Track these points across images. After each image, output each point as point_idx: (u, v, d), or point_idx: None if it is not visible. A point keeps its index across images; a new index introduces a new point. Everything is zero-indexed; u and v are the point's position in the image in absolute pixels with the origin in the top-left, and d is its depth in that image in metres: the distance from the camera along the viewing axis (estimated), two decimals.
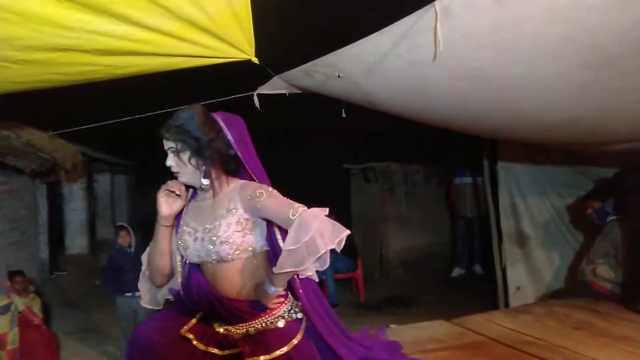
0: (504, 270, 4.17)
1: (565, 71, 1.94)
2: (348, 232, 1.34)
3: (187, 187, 1.56)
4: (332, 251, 1.36)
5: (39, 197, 5.93)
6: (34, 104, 4.07)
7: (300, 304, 1.53)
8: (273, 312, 1.49)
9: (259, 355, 1.38)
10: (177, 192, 1.50)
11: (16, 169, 4.60)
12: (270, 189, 1.47)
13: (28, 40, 1.89)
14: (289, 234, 1.34)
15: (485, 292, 5.41)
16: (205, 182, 1.47)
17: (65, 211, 7.59)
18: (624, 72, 1.88)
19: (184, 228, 1.54)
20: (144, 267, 1.64)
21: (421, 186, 7.48)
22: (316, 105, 3.52)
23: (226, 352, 1.43)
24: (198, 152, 1.45)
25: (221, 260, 1.48)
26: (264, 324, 1.49)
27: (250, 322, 1.49)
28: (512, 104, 2.32)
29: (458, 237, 6.71)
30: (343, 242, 1.34)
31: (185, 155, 1.46)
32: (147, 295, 1.67)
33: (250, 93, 2.88)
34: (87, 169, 7.44)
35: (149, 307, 1.66)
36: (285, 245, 1.34)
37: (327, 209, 1.36)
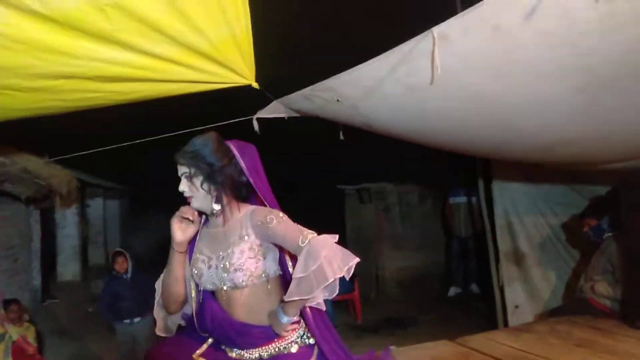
0: (501, 289, 4.18)
1: (562, 93, 1.99)
2: (357, 259, 1.35)
3: (200, 213, 1.57)
4: None
5: (32, 223, 5.86)
6: (30, 129, 4.07)
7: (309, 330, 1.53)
8: (286, 338, 1.49)
9: None
10: (191, 218, 1.52)
11: (11, 196, 4.56)
12: (281, 214, 1.48)
13: (32, 69, 1.91)
14: (298, 261, 1.35)
15: (483, 311, 5.41)
16: (217, 207, 1.49)
17: (58, 237, 7.49)
18: (618, 93, 1.94)
19: (198, 256, 1.55)
20: (157, 296, 1.62)
21: (416, 206, 7.52)
22: (312, 127, 3.57)
23: None
24: (210, 177, 1.48)
25: (235, 287, 1.49)
26: (277, 349, 1.49)
27: (263, 347, 1.49)
28: (510, 125, 2.38)
29: (453, 256, 6.72)
30: (352, 270, 1.34)
31: (198, 181, 1.49)
32: (162, 323, 1.65)
33: (249, 117, 2.92)
34: (81, 194, 7.38)
35: (163, 335, 1.64)
36: (294, 273, 1.35)
37: (337, 236, 1.38)
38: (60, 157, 3.66)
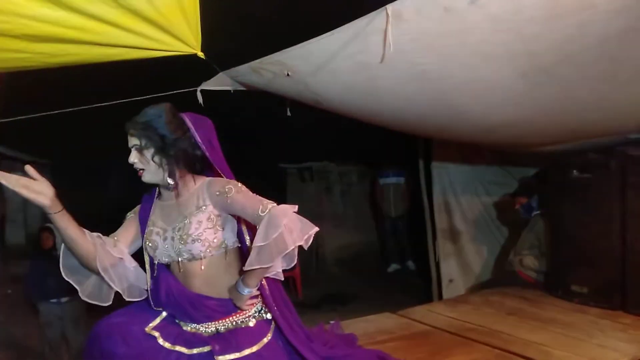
0: (437, 264, 4.40)
1: (506, 77, 2.09)
2: (316, 229, 1.36)
3: (152, 185, 1.51)
4: None
5: None
6: None
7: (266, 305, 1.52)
8: (244, 312, 1.47)
9: (229, 353, 1.35)
10: (35, 178, 1.34)
11: None
12: (239, 184, 1.45)
13: None
14: (258, 230, 1.32)
15: (418, 286, 5.67)
16: (171, 181, 1.43)
17: None
18: (556, 79, 2.07)
19: (152, 228, 1.49)
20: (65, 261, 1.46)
21: (355, 185, 7.67)
22: (256, 103, 3.49)
23: (194, 350, 1.37)
24: (162, 150, 1.42)
25: (193, 258, 1.44)
26: (234, 323, 1.48)
27: (220, 321, 1.46)
28: (455, 106, 2.46)
29: (386, 235, 6.93)
30: (311, 239, 1.35)
31: (149, 153, 1.43)
32: (88, 290, 1.50)
33: (193, 89, 2.79)
34: None
35: (94, 302, 1.51)
36: (254, 242, 1.33)
37: (296, 206, 1.37)
38: None
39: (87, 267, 1.44)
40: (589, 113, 2.43)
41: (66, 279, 1.46)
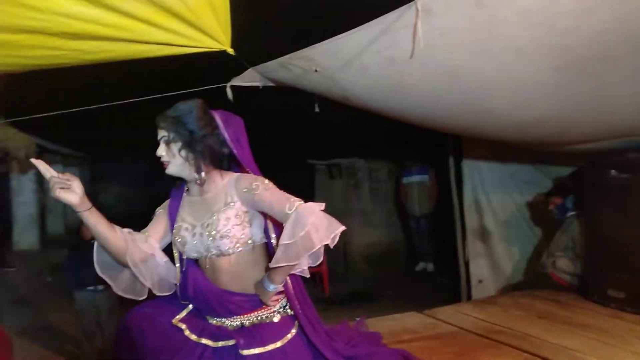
0: (466, 264, 4.31)
1: (538, 72, 2.02)
2: (343, 227, 1.35)
3: (179, 180, 1.54)
4: None
5: None
6: None
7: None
8: (269, 307, 1.49)
9: (253, 348, 1.37)
10: (68, 183, 1.35)
11: None
12: (267, 181, 1.46)
13: None
14: (285, 228, 1.33)
15: (446, 286, 5.58)
16: (198, 176, 1.46)
17: (13, 205, 7.17)
18: (590, 74, 1.99)
19: (181, 224, 1.51)
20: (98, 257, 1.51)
21: (385, 182, 7.60)
22: (285, 99, 3.50)
23: (219, 343, 1.40)
24: (189, 145, 1.44)
25: (221, 254, 1.46)
26: (259, 318, 1.49)
27: (245, 315, 1.48)
28: (484, 102, 2.40)
29: (412, 234, 6.84)
30: (337, 238, 1.34)
31: (176, 147, 1.45)
32: (122, 285, 1.55)
33: (223, 84, 2.83)
34: (39, 160, 7.05)
35: (129, 296, 1.56)
36: (281, 239, 1.33)
37: (323, 204, 1.37)
38: (17, 119, 3.46)
39: (120, 263, 1.48)
40: (626, 110, 2.33)
41: (100, 274, 1.50)
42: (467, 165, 4.22)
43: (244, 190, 1.44)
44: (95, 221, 1.39)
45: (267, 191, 1.42)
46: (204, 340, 1.40)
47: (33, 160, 1.36)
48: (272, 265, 1.35)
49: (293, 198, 1.39)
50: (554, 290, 3.04)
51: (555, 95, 2.23)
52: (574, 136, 2.83)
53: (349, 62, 2.26)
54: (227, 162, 1.54)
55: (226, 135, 1.50)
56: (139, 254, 1.48)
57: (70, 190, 1.33)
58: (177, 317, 1.47)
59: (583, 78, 2.04)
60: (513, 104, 2.40)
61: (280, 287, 1.46)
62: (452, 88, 2.35)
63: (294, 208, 1.34)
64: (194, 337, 1.41)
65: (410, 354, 1.80)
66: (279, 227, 1.45)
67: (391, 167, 7.58)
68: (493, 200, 4.19)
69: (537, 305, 2.70)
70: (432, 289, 5.75)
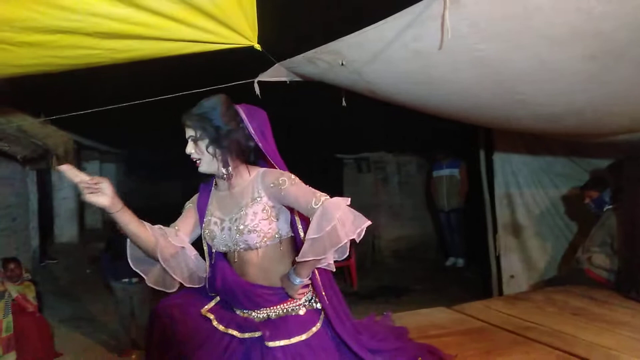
0: (497, 259, 4.23)
1: (572, 60, 1.95)
2: (369, 222, 1.34)
3: (208, 176, 1.57)
4: None
5: (29, 183, 5.83)
6: (25, 88, 3.99)
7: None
8: (295, 300, 1.51)
9: (279, 340, 1.39)
10: (96, 187, 1.36)
11: (6, 155, 4.51)
12: (293, 176, 1.47)
13: (28, 22, 1.85)
14: (311, 222, 1.34)
15: (476, 282, 5.49)
16: (225, 171, 1.48)
17: (54, 199, 7.48)
18: (630, 61, 1.90)
19: (210, 218, 1.55)
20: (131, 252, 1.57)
21: (414, 176, 7.52)
22: (312, 93, 3.50)
23: (246, 335, 1.43)
24: (216, 141, 1.47)
25: (249, 248, 1.49)
26: (285, 310, 1.51)
27: (271, 307, 1.51)
28: (516, 93, 2.33)
29: (442, 228, 6.74)
30: (363, 233, 1.34)
31: (203, 144, 1.48)
32: (154, 278, 1.60)
33: (250, 80, 2.85)
34: (77, 156, 7.32)
35: (160, 289, 1.62)
36: (308, 234, 1.34)
37: (349, 199, 1.37)
38: (56, 117, 3.60)
39: (151, 257, 1.53)
40: None
41: (134, 268, 1.56)
42: (499, 158, 4.12)
43: (271, 185, 1.46)
44: (126, 220, 1.43)
45: (293, 186, 1.43)
46: (230, 331, 1.44)
47: (60, 167, 1.36)
48: (298, 259, 1.37)
49: (319, 193, 1.40)
50: (589, 286, 2.93)
51: (591, 85, 2.14)
52: (611, 127, 2.71)
53: (376, 55, 2.24)
54: (253, 156, 1.56)
55: (251, 129, 1.51)
56: (169, 249, 1.52)
57: (100, 193, 1.35)
58: (206, 307, 1.51)
59: (621, 65, 1.95)
60: (547, 94, 2.33)
61: (307, 281, 1.47)
62: (482, 79, 2.29)
63: (320, 203, 1.34)
64: (221, 327, 1.45)
65: (436, 349, 1.79)
66: (305, 221, 1.46)
67: (420, 160, 7.49)
68: (526, 194, 4.08)
69: (571, 301, 2.62)
70: (462, 284, 5.67)
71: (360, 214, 1.36)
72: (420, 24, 1.91)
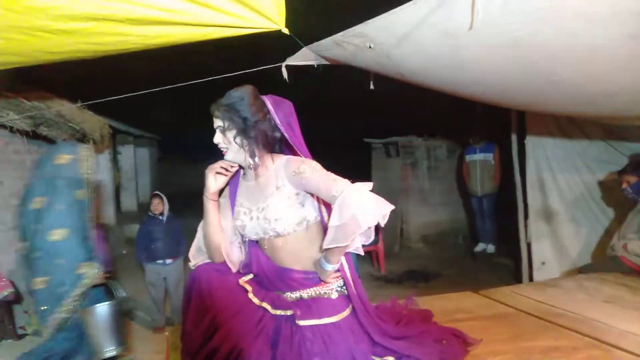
0: (528, 245, 4.15)
1: (611, 40, 1.86)
2: (391, 207, 1.36)
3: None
4: None
5: None
6: (62, 74, 4.13)
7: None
8: (327, 284, 1.55)
9: (310, 319, 1.43)
10: (230, 170, 1.57)
11: (47, 139, 4.69)
12: (314, 163, 1.50)
13: (64, 10, 1.91)
14: (333, 211, 1.37)
15: (506, 268, 5.41)
16: (252, 161, 1.52)
17: None
18: None
19: (239, 208, 1.60)
20: (198, 242, 1.67)
21: (444, 161, 7.41)
22: (340, 77, 3.48)
23: (278, 312, 1.47)
24: (243, 131, 1.51)
25: (278, 235, 1.54)
26: (318, 292, 1.56)
27: (305, 290, 1.56)
28: (550, 75, 2.26)
29: (474, 214, 6.63)
30: (387, 217, 1.35)
31: (231, 134, 1.52)
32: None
33: (278, 64, 2.86)
34: (112, 141, 7.56)
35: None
36: (330, 222, 1.38)
37: (371, 184, 1.38)
38: (92, 102, 3.72)
39: (213, 254, 1.61)
40: None
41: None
42: (531, 142, 4.01)
43: (292, 173, 1.49)
44: (213, 211, 1.58)
45: (314, 173, 1.46)
46: (264, 304, 1.49)
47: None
48: (324, 247, 1.40)
49: (340, 180, 1.42)
50: (624, 274, 2.85)
51: (630, 65, 2.05)
52: None
53: (404, 37, 2.20)
54: (279, 146, 1.60)
55: (277, 120, 1.54)
56: (227, 247, 1.61)
57: (219, 178, 1.55)
58: (244, 278, 1.56)
59: None
60: (582, 75, 2.24)
61: (337, 266, 1.51)
62: (514, 60, 2.23)
63: (341, 191, 1.36)
64: (256, 300, 1.50)
65: (461, 333, 1.79)
66: (329, 207, 1.50)
67: (450, 145, 7.37)
68: (559, 179, 3.96)
69: (604, 289, 2.55)
70: (492, 270, 5.60)
71: (382, 199, 1.37)
72: (450, 4, 1.87)
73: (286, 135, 1.55)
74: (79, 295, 2.91)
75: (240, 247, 1.65)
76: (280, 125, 1.54)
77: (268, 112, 1.54)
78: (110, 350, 2.88)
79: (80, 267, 2.93)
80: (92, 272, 2.98)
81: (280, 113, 1.55)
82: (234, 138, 1.52)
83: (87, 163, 3.20)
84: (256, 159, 1.53)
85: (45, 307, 2.90)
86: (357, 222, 1.32)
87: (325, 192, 1.41)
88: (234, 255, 1.63)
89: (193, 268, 1.64)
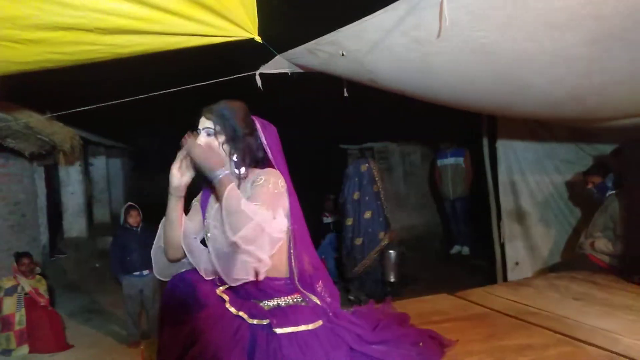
0: (502, 246, 4.24)
1: (571, 45, 1.94)
2: (262, 264, 1.36)
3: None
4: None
5: (37, 180, 5.90)
6: (30, 85, 4.03)
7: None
8: (303, 293, 1.55)
9: (287, 327, 1.42)
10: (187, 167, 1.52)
11: (14, 152, 4.57)
12: (272, 181, 1.47)
13: (31, 19, 1.87)
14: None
15: (482, 269, 5.51)
16: (236, 171, 1.53)
17: (62, 195, 7.56)
18: (630, 45, 1.89)
19: (209, 221, 1.56)
20: (158, 240, 1.64)
21: (418, 166, 7.52)
22: (315, 85, 3.50)
23: (254, 321, 1.46)
24: (233, 140, 1.52)
25: None
26: (295, 300, 1.54)
27: (281, 297, 1.54)
28: (517, 80, 2.33)
29: (447, 217, 6.76)
30: (254, 270, 1.36)
31: (220, 139, 1.52)
32: (158, 266, 1.67)
33: (252, 73, 2.87)
34: (84, 152, 7.39)
35: (159, 277, 1.67)
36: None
37: (284, 227, 1.44)
38: (61, 113, 3.64)
39: (167, 250, 1.60)
40: None
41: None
42: (502, 146, 4.12)
43: (252, 182, 1.49)
44: (177, 207, 1.55)
45: (263, 187, 1.45)
46: (241, 314, 1.47)
47: (186, 139, 1.50)
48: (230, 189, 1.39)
49: (269, 210, 1.39)
50: (592, 272, 2.94)
51: (592, 69, 2.13)
52: (614, 111, 2.70)
53: (375, 45, 2.24)
54: (260, 164, 1.59)
55: (264, 140, 1.58)
56: (188, 245, 1.58)
57: (187, 173, 1.52)
58: (221, 288, 1.52)
59: (621, 50, 1.94)
60: (547, 80, 2.32)
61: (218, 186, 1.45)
62: (482, 66, 2.29)
63: (257, 213, 1.35)
64: (233, 309, 1.47)
65: (437, 334, 1.81)
66: (294, 213, 1.52)
67: (424, 150, 7.48)
68: (530, 181, 4.08)
69: (573, 287, 2.63)
70: (467, 272, 5.69)
71: (269, 247, 1.36)
72: (419, 12, 1.91)
73: (270, 155, 1.58)
74: None
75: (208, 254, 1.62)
76: (266, 146, 1.57)
77: (256, 130, 1.58)
78: None
79: None
80: None
81: (267, 134, 1.59)
82: (222, 144, 1.52)
83: None
84: (242, 169, 1.53)
85: None
86: (232, 225, 1.33)
87: (252, 200, 1.41)
88: (200, 260, 1.58)
89: (157, 275, 1.62)
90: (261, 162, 1.59)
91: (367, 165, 4.88)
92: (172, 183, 1.52)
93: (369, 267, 4.76)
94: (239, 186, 1.53)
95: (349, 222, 4.80)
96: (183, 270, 1.61)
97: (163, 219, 1.61)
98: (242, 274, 1.37)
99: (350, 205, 4.80)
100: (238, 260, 1.35)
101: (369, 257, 4.70)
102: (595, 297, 2.43)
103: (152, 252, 1.65)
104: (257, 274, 1.37)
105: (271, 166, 1.58)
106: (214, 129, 1.52)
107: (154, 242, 1.66)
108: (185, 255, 1.60)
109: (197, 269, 1.55)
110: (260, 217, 1.34)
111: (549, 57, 2.08)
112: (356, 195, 4.80)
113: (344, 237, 4.87)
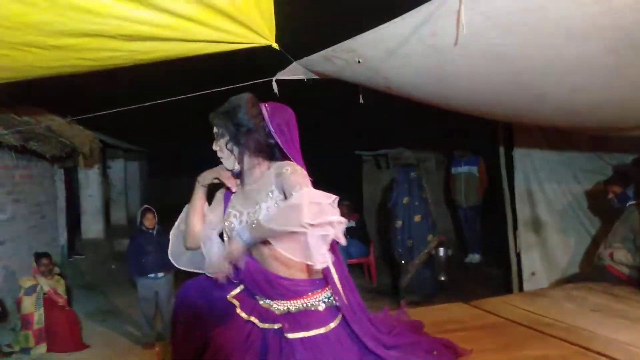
0: (518, 256, 4.19)
1: (591, 54, 1.92)
2: (334, 219, 1.23)
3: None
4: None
5: (57, 182, 6.02)
6: (53, 89, 4.13)
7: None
8: (315, 296, 1.53)
9: (298, 332, 1.43)
10: (231, 188, 1.60)
11: (35, 154, 4.68)
12: (299, 168, 1.47)
13: (56, 26, 1.93)
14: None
15: (497, 278, 5.44)
16: (237, 167, 1.54)
17: (81, 197, 7.70)
18: None
19: (230, 210, 1.59)
20: (178, 222, 1.70)
21: (434, 173, 7.46)
22: (330, 91, 3.52)
23: (265, 325, 1.47)
24: (234, 138, 1.53)
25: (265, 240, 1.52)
26: (305, 305, 1.53)
27: (291, 301, 1.53)
28: (535, 88, 2.32)
29: (461, 225, 6.71)
30: (334, 231, 1.24)
31: (224, 141, 1.54)
32: (173, 248, 1.72)
33: (268, 79, 2.90)
34: (102, 155, 7.53)
35: (171, 259, 1.71)
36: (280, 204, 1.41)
37: (336, 197, 1.29)
38: (82, 117, 3.73)
39: (186, 237, 1.64)
40: None
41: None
42: (519, 154, 4.08)
43: (277, 175, 1.48)
44: (201, 197, 1.63)
45: (292, 175, 1.43)
46: (252, 319, 1.48)
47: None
48: (262, 222, 1.39)
49: (307, 186, 1.37)
50: (610, 283, 2.89)
51: (611, 79, 2.11)
52: (631, 121, 2.66)
53: (392, 52, 2.25)
54: (278, 153, 1.58)
55: (271, 127, 1.54)
56: (203, 236, 1.62)
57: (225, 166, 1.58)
58: (232, 293, 1.54)
59: None
60: (566, 88, 2.30)
61: (249, 243, 1.45)
62: (499, 74, 2.28)
63: (298, 191, 1.31)
64: (243, 314, 1.49)
65: (452, 343, 1.80)
66: None
67: (439, 157, 7.43)
68: (547, 190, 4.02)
69: (590, 298, 2.58)
70: (482, 281, 5.62)
71: (331, 209, 1.25)
72: (436, 20, 1.91)
73: (278, 141, 1.55)
74: None
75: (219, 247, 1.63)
76: (274, 133, 1.54)
77: (263, 119, 1.55)
78: None
79: None
80: None
81: (275, 121, 1.55)
82: (226, 144, 1.54)
83: None
84: (243, 165, 1.54)
85: None
86: (287, 219, 1.26)
87: (289, 191, 1.38)
88: (212, 252, 1.60)
89: (170, 257, 1.67)
90: (276, 149, 1.58)
91: (415, 173, 5.27)
92: (202, 174, 1.61)
93: (419, 267, 4.99)
94: (253, 182, 1.55)
95: (399, 224, 5.05)
96: (194, 265, 1.66)
97: (187, 205, 1.67)
98: (323, 249, 1.25)
99: (400, 209, 5.12)
100: (314, 238, 1.23)
101: (418, 258, 4.94)
102: (612, 309, 2.39)
103: (170, 234, 1.70)
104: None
105: (287, 158, 1.56)
106: (219, 133, 1.55)
107: (174, 225, 1.71)
108: (197, 247, 1.62)
109: (206, 258, 1.58)
110: (305, 196, 1.28)
111: (566, 66, 2.06)
112: (406, 200, 5.10)
113: (393, 238, 5.11)
